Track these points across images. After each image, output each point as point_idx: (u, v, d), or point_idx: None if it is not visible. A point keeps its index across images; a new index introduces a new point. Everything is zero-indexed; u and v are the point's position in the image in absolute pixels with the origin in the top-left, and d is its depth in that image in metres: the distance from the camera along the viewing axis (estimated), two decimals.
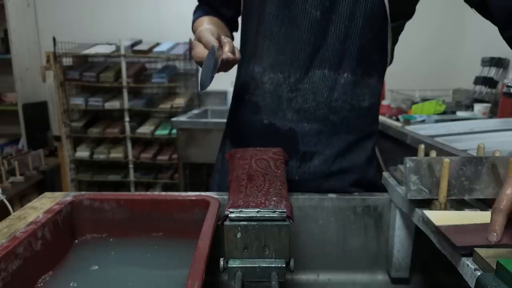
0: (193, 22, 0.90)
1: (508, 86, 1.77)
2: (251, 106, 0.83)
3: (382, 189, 0.73)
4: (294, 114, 0.79)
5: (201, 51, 0.69)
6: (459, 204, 0.56)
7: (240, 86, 0.86)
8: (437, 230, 0.46)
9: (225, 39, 0.69)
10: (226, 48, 0.67)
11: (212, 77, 0.61)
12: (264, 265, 0.45)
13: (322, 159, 0.81)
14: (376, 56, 0.79)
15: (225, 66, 0.69)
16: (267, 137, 0.81)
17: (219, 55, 0.66)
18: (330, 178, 0.82)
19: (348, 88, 0.78)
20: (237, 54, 0.70)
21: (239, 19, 0.90)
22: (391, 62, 0.84)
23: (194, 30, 0.85)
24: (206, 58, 0.63)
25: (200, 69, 0.65)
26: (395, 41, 0.81)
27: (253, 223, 0.45)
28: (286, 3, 0.76)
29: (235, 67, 0.83)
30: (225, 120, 0.95)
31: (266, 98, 0.81)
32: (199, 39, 0.69)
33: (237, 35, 0.93)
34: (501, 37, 0.66)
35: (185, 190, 2.32)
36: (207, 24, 0.73)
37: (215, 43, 0.66)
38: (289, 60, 0.77)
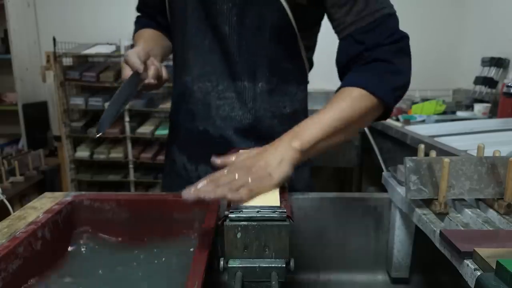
0: (134, 33, 0.92)
1: (508, 86, 1.77)
2: (188, 113, 0.86)
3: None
4: (222, 122, 0.82)
5: (127, 73, 0.71)
6: (459, 204, 0.56)
7: (177, 96, 0.89)
8: (441, 235, 0.46)
9: (151, 63, 0.70)
10: (151, 73, 0.69)
11: (115, 117, 0.64)
12: (264, 265, 0.45)
13: None
14: (289, 64, 0.82)
15: (152, 87, 0.72)
16: (203, 144, 0.84)
17: (144, 77, 0.69)
18: None
19: (264, 96, 0.81)
20: (165, 75, 0.73)
21: None
22: (311, 68, 0.88)
23: (134, 42, 0.88)
24: (117, 91, 0.67)
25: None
26: (308, 48, 0.84)
27: (253, 223, 0.45)
28: (206, 16, 0.78)
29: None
30: None
31: (198, 105, 0.83)
32: (126, 62, 0.71)
33: None
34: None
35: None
36: (142, 42, 0.78)
37: (140, 66, 0.68)
38: (215, 71, 0.80)
